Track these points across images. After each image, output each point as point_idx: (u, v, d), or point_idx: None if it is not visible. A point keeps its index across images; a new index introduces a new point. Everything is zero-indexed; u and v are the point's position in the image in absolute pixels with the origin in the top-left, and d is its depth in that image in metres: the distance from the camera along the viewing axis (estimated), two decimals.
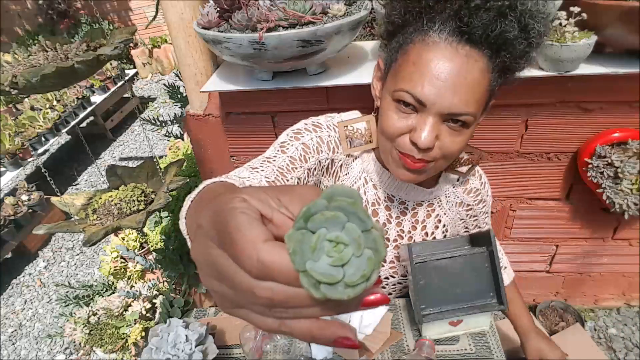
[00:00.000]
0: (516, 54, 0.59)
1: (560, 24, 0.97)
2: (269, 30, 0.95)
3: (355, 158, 0.81)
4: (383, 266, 0.86)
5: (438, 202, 0.86)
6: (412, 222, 0.86)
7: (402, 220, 0.86)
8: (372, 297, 0.25)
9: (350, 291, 0.22)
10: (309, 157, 0.73)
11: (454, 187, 0.86)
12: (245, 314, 0.27)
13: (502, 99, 1.23)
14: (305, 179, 0.73)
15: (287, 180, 0.69)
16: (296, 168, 0.71)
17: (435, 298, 0.81)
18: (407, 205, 0.84)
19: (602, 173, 1.25)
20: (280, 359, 0.83)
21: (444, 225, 0.88)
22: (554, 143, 1.32)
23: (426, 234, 0.87)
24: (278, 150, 0.72)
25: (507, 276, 1.00)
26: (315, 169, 0.75)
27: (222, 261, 0.26)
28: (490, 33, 0.55)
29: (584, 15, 0.94)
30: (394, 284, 0.92)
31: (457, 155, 0.68)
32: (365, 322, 0.83)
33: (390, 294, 0.95)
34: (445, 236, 0.90)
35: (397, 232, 0.86)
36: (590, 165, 1.26)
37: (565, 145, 1.32)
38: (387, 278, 0.90)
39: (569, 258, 1.63)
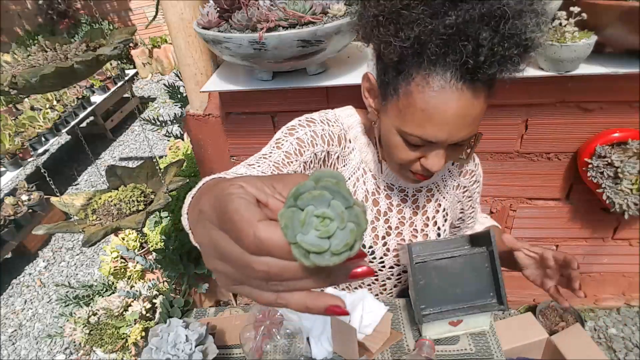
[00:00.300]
0: (510, 77, 0.60)
1: (560, 24, 0.97)
2: (269, 30, 0.95)
3: (353, 149, 0.82)
4: (376, 243, 0.86)
5: (437, 187, 0.88)
6: (413, 209, 0.87)
7: (403, 207, 0.87)
8: (359, 270, 0.28)
9: (336, 259, 0.25)
10: (304, 151, 0.74)
11: (449, 171, 0.88)
12: (246, 289, 0.30)
13: (502, 99, 1.23)
14: (302, 172, 0.74)
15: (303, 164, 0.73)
16: (292, 162, 0.72)
17: (435, 298, 0.81)
18: (407, 192, 0.86)
19: (602, 173, 1.24)
20: (280, 359, 0.83)
21: (444, 209, 0.89)
22: (554, 143, 1.32)
23: (427, 218, 0.88)
24: (273, 147, 0.73)
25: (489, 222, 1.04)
26: (311, 161, 0.75)
27: (223, 241, 0.28)
28: (497, 74, 0.57)
29: (584, 15, 0.94)
30: (399, 273, 0.92)
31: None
32: (365, 322, 0.83)
33: (395, 286, 0.95)
34: (445, 220, 0.91)
35: (399, 219, 0.87)
36: (590, 165, 1.26)
37: (565, 145, 1.32)
38: (392, 267, 0.90)
39: None
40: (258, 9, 0.95)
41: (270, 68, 1.14)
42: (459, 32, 0.53)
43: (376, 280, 0.93)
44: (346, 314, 0.29)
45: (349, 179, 0.84)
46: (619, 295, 1.77)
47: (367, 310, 0.84)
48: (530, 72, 1.06)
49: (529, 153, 1.35)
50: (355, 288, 0.94)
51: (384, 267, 0.89)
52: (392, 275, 0.92)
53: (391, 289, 0.96)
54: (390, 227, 0.87)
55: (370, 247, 0.86)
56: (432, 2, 0.54)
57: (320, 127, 0.77)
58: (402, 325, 0.87)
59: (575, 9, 0.95)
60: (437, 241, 0.84)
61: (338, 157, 0.80)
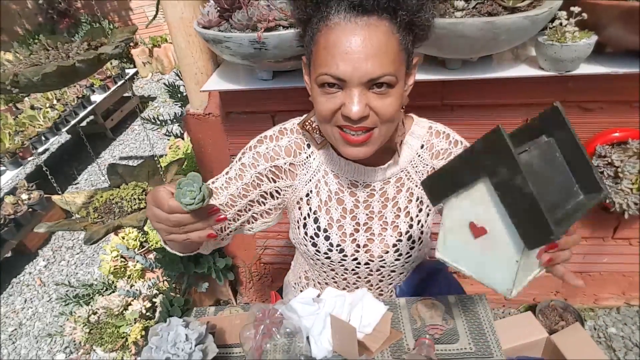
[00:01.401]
0: (412, 10, 0.63)
1: (561, 23, 0.97)
2: (270, 29, 0.95)
3: (312, 154, 0.86)
4: (344, 241, 0.88)
5: (407, 175, 0.86)
6: (382, 201, 0.86)
7: (370, 202, 0.86)
8: (214, 215, 0.63)
9: (198, 206, 0.57)
10: (244, 175, 0.86)
11: (419, 155, 0.85)
12: (170, 236, 0.63)
13: (502, 98, 1.23)
14: (251, 183, 0.86)
15: (244, 188, 0.86)
16: (231, 186, 0.86)
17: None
18: (374, 186, 0.85)
19: (602, 173, 1.25)
20: (280, 359, 0.83)
21: (418, 198, 0.87)
22: None
23: (399, 209, 0.86)
24: (227, 170, 0.89)
25: None
26: (256, 178, 0.86)
27: (156, 210, 0.61)
28: (395, 8, 0.61)
29: (584, 15, 0.94)
30: (378, 269, 0.92)
31: (396, 117, 0.71)
32: (365, 321, 0.83)
33: (381, 280, 0.95)
34: (421, 210, 0.87)
35: (367, 214, 0.86)
36: None
37: None
38: (367, 264, 0.90)
39: None
40: (258, 8, 0.95)
41: (270, 67, 1.14)
42: None
43: (358, 278, 0.93)
44: (217, 210, 0.64)
45: (310, 181, 0.87)
46: (618, 294, 1.77)
47: (366, 309, 0.84)
48: (530, 72, 1.07)
49: None
50: (350, 288, 0.95)
51: (359, 264, 0.89)
52: (372, 271, 0.91)
53: (378, 285, 0.96)
54: (358, 224, 0.87)
55: (339, 245, 0.87)
56: None
57: (264, 146, 0.86)
58: (402, 324, 0.88)
59: (576, 9, 0.95)
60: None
61: (291, 164, 0.86)
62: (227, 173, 0.88)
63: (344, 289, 0.96)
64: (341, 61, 0.63)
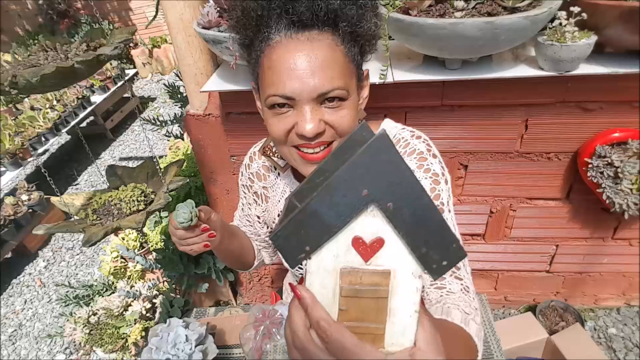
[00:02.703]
0: (352, 21, 0.61)
1: (561, 24, 0.97)
2: None
3: (278, 175, 0.90)
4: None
5: None
6: None
7: None
8: (206, 232, 0.77)
9: (189, 224, 0.73)
10: (246, 195, 0.97)
11: None
12: (181, 247, 0.79)
13: (502, 99, 1.23)
14: (254, 201, 0.97)
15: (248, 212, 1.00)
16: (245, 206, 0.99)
17: None
18: None
19: (602, 173, 1.24)
20: (280, 359, 0.83)
21: None
22: (554, 143, 1.32)
23: None
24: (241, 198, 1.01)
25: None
26: (254, 198, 0.96)
27: (170, 228, 0.78)
28: (317, 12, 0.59)
29: (584, 15, 0.94)
30: None
31: (353, 129, 0.69)
32: None
33: None
34: None
35: None
36: (590, 165, 1.26)
37: (565, 145, 1.32)
38: None
39: (569, 258, 1.63)
40: None
41: None
42: None
43: None
44: (214, 236, 0.79)
45: (279, 202, 0.91)
46: (619, 295, 1.77)
47: None
48: (530, 72, 1.06)
49: (529, 153, 1.35)
50: None
51: None
52: None
53: None
54: None
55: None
56: None
57: (240, 179, 0.96)
58: None
59: (575, 9, 0.95)
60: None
61: (264, 187, 0.93)
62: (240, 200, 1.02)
63: None
64: (288, 79, 0.61)
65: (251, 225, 1.00)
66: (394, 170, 0.34)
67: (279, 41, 0.61)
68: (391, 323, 0.36)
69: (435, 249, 0.35)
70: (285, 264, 0.51)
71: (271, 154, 0.87)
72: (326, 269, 0.37)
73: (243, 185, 0.97)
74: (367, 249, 0.36)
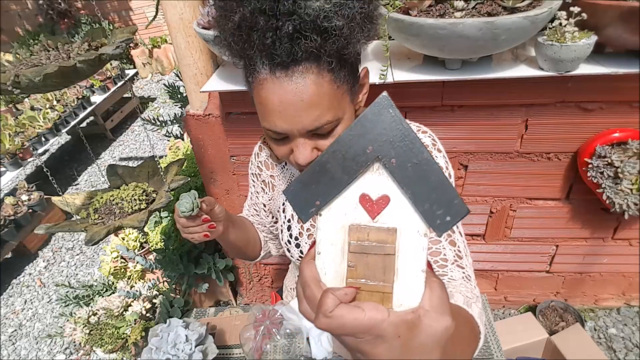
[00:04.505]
0: (337, 49, 0.57)
1: (560, 24, 0.97)
2: None
3: (284, 165, 0.91)
4: (301, 235, 0.91)
5: None
6: None
7: None
8: (207, 223, 0.79)
9: (191, 213, 0.74)
10: (255, 183, 0.99)
11: None
12: (183, 235, 0.80)
13: (502, 99, 1.24)
14: (263, 189, 0.97)
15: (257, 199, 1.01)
16: (255, 184, 0.99)
17: None
18: None
19: (602, 173, 1.25)
20: (280, 359, 0.83)
21: None
22: (554, 143, 1.32)
23: None
24: (250, 187, 1.01)
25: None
26: (263, 185, 0.97)
27: (175, 216, 0.79)
28: (295, 55, 0.56)
29: (584, 15, 0.94)
30: None
31: None
32: None
33: None
34: None
35: None
36: (590, 165, 1.26)
37: (565, 145, 1.32)
38: None
39: (569, 258, 1.63)
40: None
41: None
42: (245, 27, 0.56)
43: None
44: (208, 221, 0.79)
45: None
46: (619, 295, 1.77)
47: None
48: (530, 72, 1.07)
49: (529, 153, 1.35)
50: None
51: None
52: None
53: None
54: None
55: (296, 238, 0.89)
56: (221, 5, 0.59)
57: (250, 167, 0.98)
58: None
59: (575, 9, 0.95)
60: None
61: (271, 176, 0.94)
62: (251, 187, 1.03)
63: None
64: (277, 119, 0.62)
65: (258, 215, 1.02)
66: (395, 127, 0.36)
67: (265, 79, 0.60)
68: (399, 283, 0.37)
69: (439, 204, 0.36)
70: (298, 218, 0.51)
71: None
72: (335, 226, 0.39)
73: (252, 173, 0.98)
74: (373, 205, 0.38)
